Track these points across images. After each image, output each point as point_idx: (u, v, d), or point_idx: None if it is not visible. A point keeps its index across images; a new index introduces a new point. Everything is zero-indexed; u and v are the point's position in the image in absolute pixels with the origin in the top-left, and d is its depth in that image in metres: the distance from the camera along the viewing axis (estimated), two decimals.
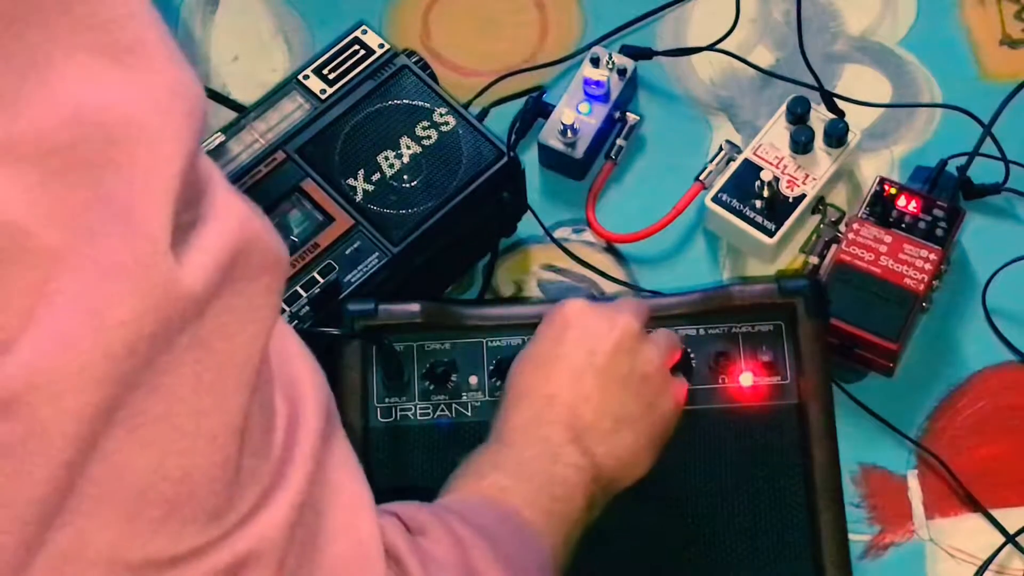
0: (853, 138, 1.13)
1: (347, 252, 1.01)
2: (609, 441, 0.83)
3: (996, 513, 1.02)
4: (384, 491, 0.93)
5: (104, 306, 0.46)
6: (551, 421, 0.82)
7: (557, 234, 1.14)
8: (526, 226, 1.14)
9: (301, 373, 0.58)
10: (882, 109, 1.19)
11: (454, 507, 0.75)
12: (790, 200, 1.11)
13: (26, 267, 0.45)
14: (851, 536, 0.95)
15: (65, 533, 0.48)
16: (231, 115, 1.10)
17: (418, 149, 1.05)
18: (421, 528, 0.68)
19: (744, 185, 1.11)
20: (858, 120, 1.16)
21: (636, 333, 0.87)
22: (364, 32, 1.10)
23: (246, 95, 1.20)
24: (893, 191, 1.08)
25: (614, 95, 1.16)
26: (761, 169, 1.11)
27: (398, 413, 0.97)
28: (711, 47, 1.22)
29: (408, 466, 0.95)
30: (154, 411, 0.48)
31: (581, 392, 0.83)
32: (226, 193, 0.51)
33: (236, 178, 1.03)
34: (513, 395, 0.86)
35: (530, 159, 1.17)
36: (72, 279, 0.46)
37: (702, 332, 0.98)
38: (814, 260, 1.11)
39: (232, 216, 0.50)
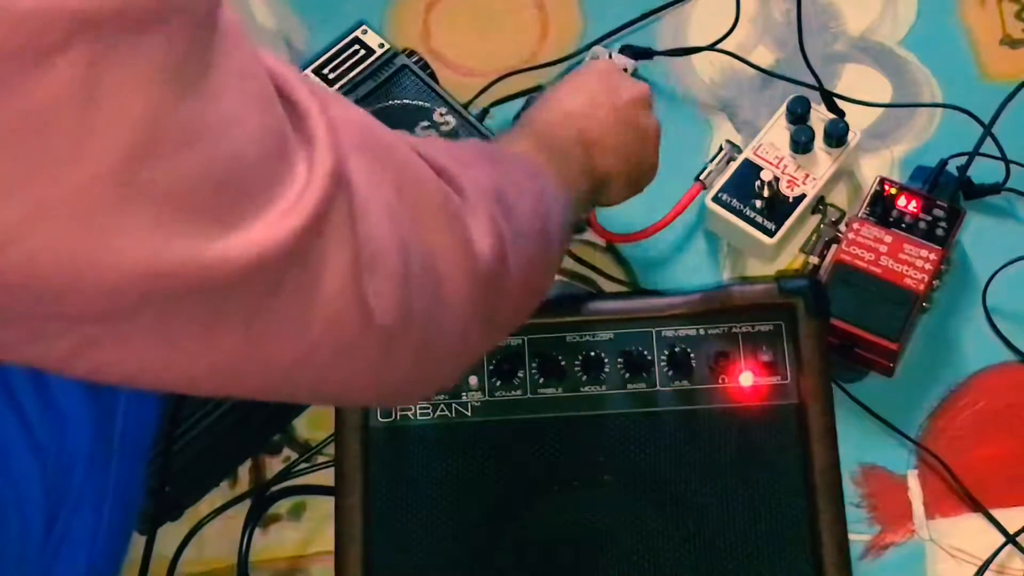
0: (853, 138, 1.13)
1: None
2: (606, 159, 0.94)
3: (996, 513, 1.02)
4: (384, 491, 0.94)
5: None
6: (567, 128, 0.93)
7: None
8: None
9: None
10: (882, 109, 1.19)
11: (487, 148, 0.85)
12: (790, 200, 1.11)
13: None
14: (851, 536, 0.95)
15: None
16: None
17: None
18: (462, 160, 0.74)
19: (744, 185, 1.11)
20: (858, 120, 1.16)
21: (650, 102, 1.01)
22: (364, 32, 1.10)
23: None
24: (893, 191, 1.08)
25: None
26: (761, 169, 1.11)
27: (398, 413, 0.97)
28: (711, 47, 1.22)
29: (408, 466, 0.96)
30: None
31: (595, 116, 0.95)
32: None
33: None
34: (539, 102, 0.99)
35: None
36: None
37: (702, 332, 0.98)
38: (814, 260, 1.11)
39: None
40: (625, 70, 1.17)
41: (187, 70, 0.48)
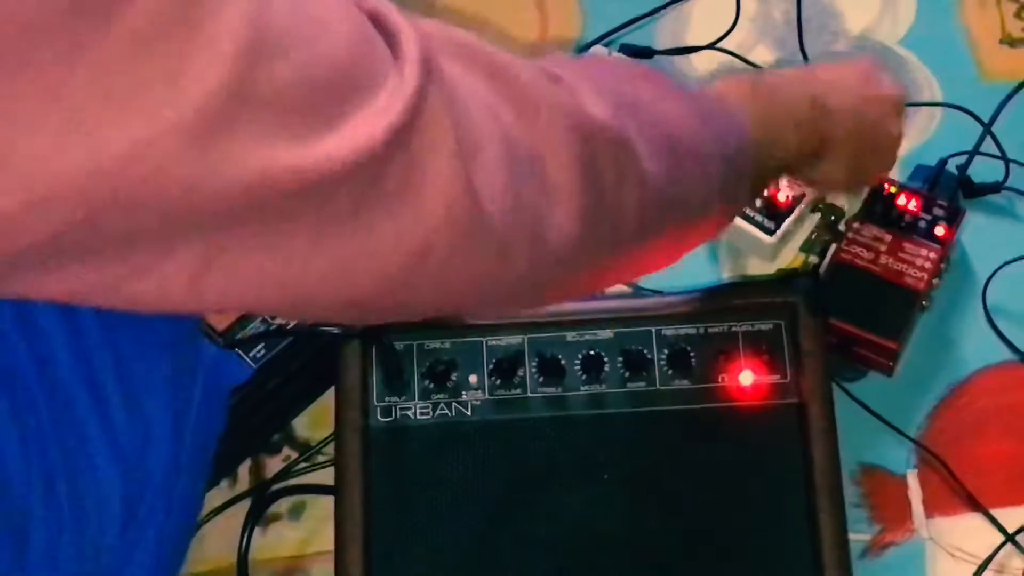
0: None
1: None
2: (835, 131, 0.90)
3: (996, 512, 1.02)
4: (384, 490, 0.94)
5: None
6: (804, 88, 0.89)
7: None
8: None
9: None
10: None
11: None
12: (790, 199, 1.11)
13: None
14: (851, 536, 0.95)
15: None
16: None
17: None
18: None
19: None
20: None
21: (902, 108, 0.97)
22: None
23: None
24: (893, 190, 1.08)
25: None
26: None
27: (398, 412, 0.97)
28: (711, 46, 1.22)
29: (408, 466, 0.95)
30: None
31: (839, 91, 0.91)
32: None
33: None
34: (789, 71, 0.99)
35: None
36: None
37: (702, 331, 0.98)
38: (814, 259, 1.11)
39: None
40: None
41: None
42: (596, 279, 0.75)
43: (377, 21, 0.56)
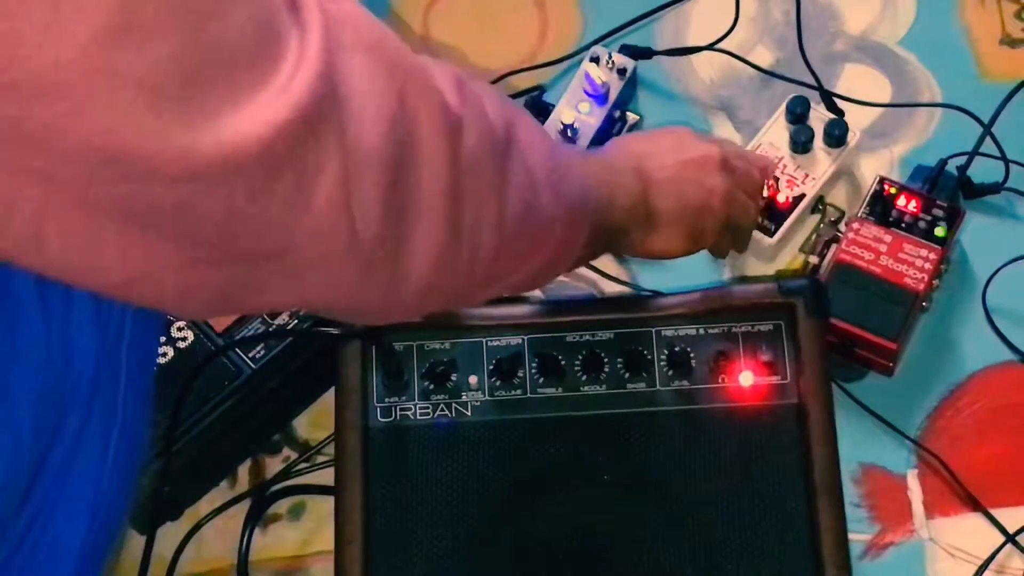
0: (853, 138, 1.13)
1: None
2: (661, 200, 0.92)
3: (996, 513, 1.02)
4: (384, 491, 0.94)
5: None
6: (626, 161, 0.92)
7: None
8: None
9: None
10: (882, 109, 1.19)
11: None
12: (790, 200, 1.11)
13: None
14: (851, 536, 0.95)
15: None
16: None
17: None
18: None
19: None
20: (858, 120, 1.16)
21: (725, 160, 0.96)
22: None
23: None
24: (893, 191, 1.08)
25: (614, 95, 1.16)
26: None
27: (398, 413, 0.97)
28: (711, 47, 1.22)
29: (408, 466, 0.96)
30: None
31: (658, 160, 0.93)
32: None
33: None
34: (604, 147, 0.98)
35: None
36: None
37: (702, 332, 0.98)
38: (814, 260, 1.11)
39: None
40: (624, 70, 1.17)
41: None
42: (461, 295, 0.74)
43: None
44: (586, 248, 0.85)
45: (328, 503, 0.98)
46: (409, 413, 0.97)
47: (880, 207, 1.08)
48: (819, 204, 1.13)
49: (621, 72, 1.17)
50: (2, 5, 0.44)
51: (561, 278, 1.12)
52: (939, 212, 1.08)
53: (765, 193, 1.07)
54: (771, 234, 1.10)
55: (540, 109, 1.17)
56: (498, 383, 0.97)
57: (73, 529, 0.74)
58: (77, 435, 0.73)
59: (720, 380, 0.97)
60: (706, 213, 0.95)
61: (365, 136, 0.57)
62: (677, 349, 0.97)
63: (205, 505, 1.06)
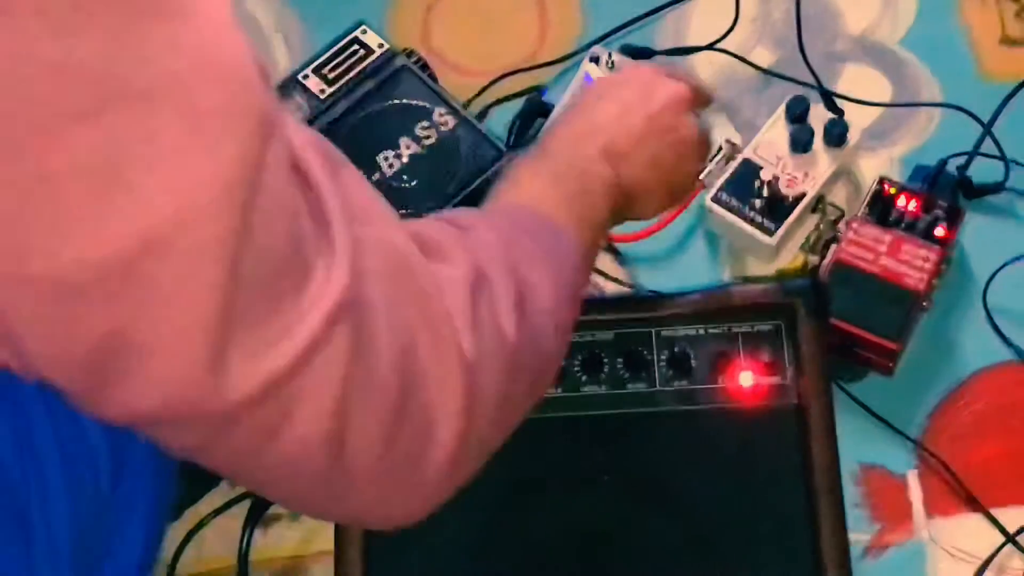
0: (853, 137, 1.13)
1: None
2: (635, 172, 0.89)
3: (996, 513, 1.02)
4: None
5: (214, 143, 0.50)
6: (591, 143, 0.88)
7: None
8: None
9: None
10: (882, 109, 1.19)
11: (497, 211, 0.81)
12: (790, 199, 1.11)
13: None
14: (851, 536, 0.95)
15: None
16: None
17: (418, 149, 1.05)
18: (468, 225, 0.73)
19: (744, 184, 1.11)
20: (858, 119, 1.16)
21: (690, 101, 0.94)
22: (364, 32, 1.10)
23: None
24: (893, 191, 1.08)
25: None
26: (761, 168, 1.11)
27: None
28: (711, 47, 1.22)
29: None
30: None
31: (625, 125, 0.89)
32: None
33: None
34: (567, 112, 0.95)
35: None
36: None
37: (702, 332, 0.98)
38: (814, 260, 1.11)
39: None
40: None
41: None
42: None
43: (313, 200, 0.56)
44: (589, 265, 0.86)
45: None
46: None
47: (880, 207, 1.08)
48: (819, 204, 1.13)
49: None
50: None
51: None
52: (939, 212, 1.07)
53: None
54: (771, 234, 1.10)
55: (540, 109, 1.17)
56: None
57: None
58: (136, 469, 0.76)
59: (720, 380, 0.97)
60: (683, 162, 0.93)
61: (375, 367, 0.57)
62: (677, 349, 0.97)
63: (205, 505, 1.06)
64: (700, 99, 0.96)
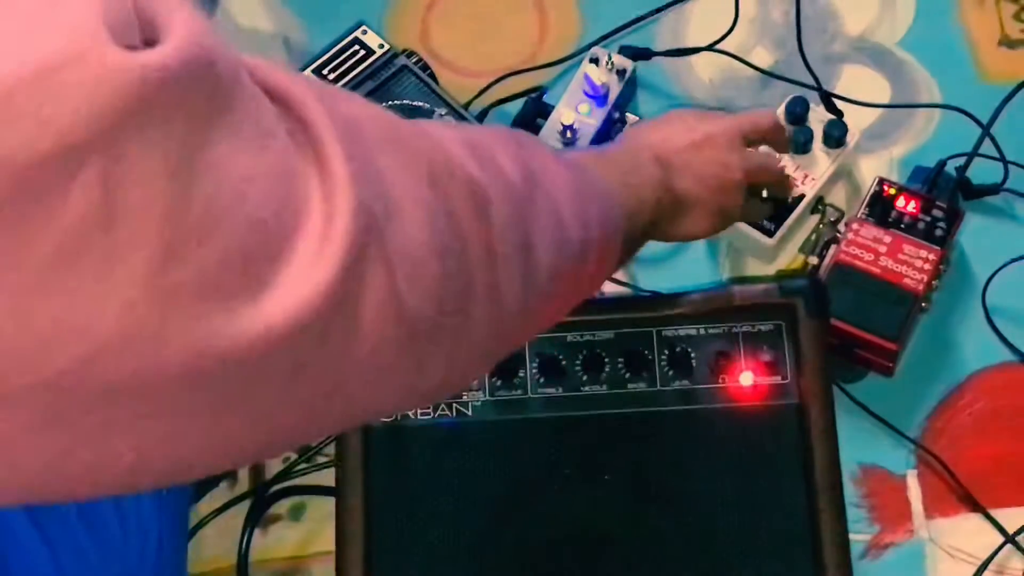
0: (852, 138, 1.13)
1: None
2: (684, 181, 0.93)
3: (996, 513, 1.03)
4: (384, 491, 0.94)
5: None
6: (641, 151, 0.92)
7: None
8: None
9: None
10: (881, 109, 1.19)
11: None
12: (789, 200, 1.11)
13: None
14: (851, 536, 0.95)
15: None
16: None
17: None
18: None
19: None
20: (857, 120, 1.16)
21: (735, 135, 0.98)
22: (364, 32, 1.11)
23: None
24: (892, 191, 1.08)
25: (613, 96, 1.16)
26: None
27: (398, 413, 0.97)
28: (711, 47, 1.22)
29: (408, 466, 0.96)
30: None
31: (675, 147, 0.94)
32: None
33: None
34: (618, 139, 1.00)
35: None
36: None
37: (702, 332, 0.98)
38: (814, 260, 1.11)
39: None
40: (623, 71, 1.17)
41: (191, 152, 0.46)
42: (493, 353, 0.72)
43: (279, 98, 0.52)
44: (624, 253, 0.84)
45: (328, 503, 0.98)
46: (410, 413, 0.97)
47: (879, 208, 1.08)
48: (819, 204, 1.13)
49: (620, 73, 1.17)
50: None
51: None
52: (938, 213, 1.08)
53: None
54: (771, 234, 1.10)
55: (540, 110, 1.17)
56: (499, 383, 0.97)
57: None
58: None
59: (721, 380, 0.97)
60: (727, 187, 0.96)
61: (411, 241, 0.56)
62: (678, 349, 0.97)
63: (205, 505, 1.06)
64: (763, 134, 1.02)
